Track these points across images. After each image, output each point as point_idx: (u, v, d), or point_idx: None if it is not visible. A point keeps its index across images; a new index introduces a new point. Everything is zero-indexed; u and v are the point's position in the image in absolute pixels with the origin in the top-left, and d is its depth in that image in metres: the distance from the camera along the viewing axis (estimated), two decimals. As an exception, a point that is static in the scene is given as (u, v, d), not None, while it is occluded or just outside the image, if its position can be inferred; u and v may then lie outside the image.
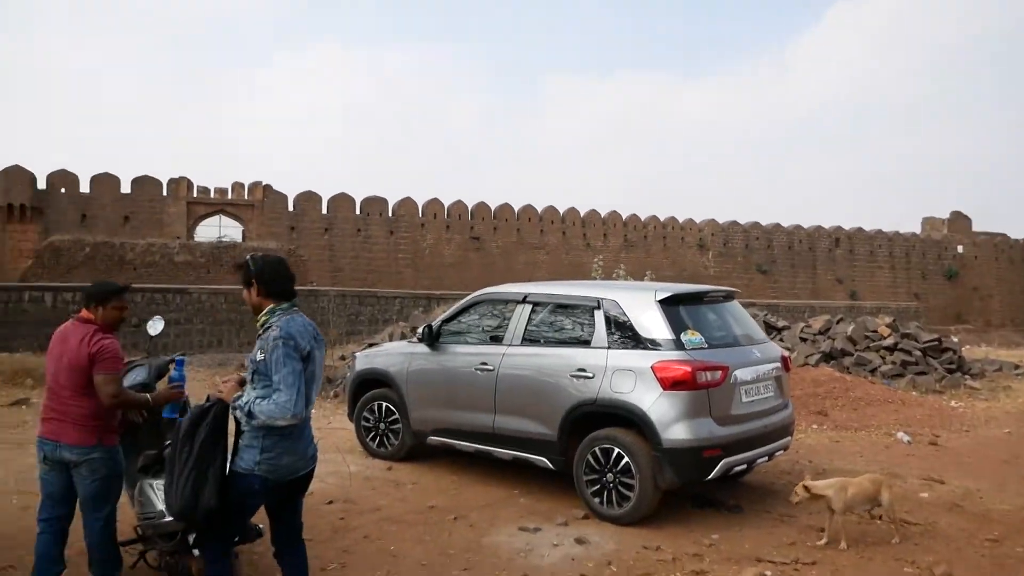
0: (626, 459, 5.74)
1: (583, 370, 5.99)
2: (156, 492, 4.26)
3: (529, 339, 6.52)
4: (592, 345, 6.08)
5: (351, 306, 22.91)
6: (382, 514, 6.04)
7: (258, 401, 3.38)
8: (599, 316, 6.13)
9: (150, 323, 5.13)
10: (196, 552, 4.08)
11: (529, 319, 6.58)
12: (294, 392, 3.34)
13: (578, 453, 6.04)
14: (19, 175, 36.84)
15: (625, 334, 5.97)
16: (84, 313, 4.35)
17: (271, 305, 3.59)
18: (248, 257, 3.66)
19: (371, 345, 13.35)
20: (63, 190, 38.38)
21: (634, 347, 5.88)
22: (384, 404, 7.58)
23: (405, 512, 6.10)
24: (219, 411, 3.50)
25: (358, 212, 44.46)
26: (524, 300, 6.69)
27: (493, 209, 47.62)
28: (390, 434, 7.59)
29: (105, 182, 39.31)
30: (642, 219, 51.30)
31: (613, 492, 5.83)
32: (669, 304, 5.98)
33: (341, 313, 22.10)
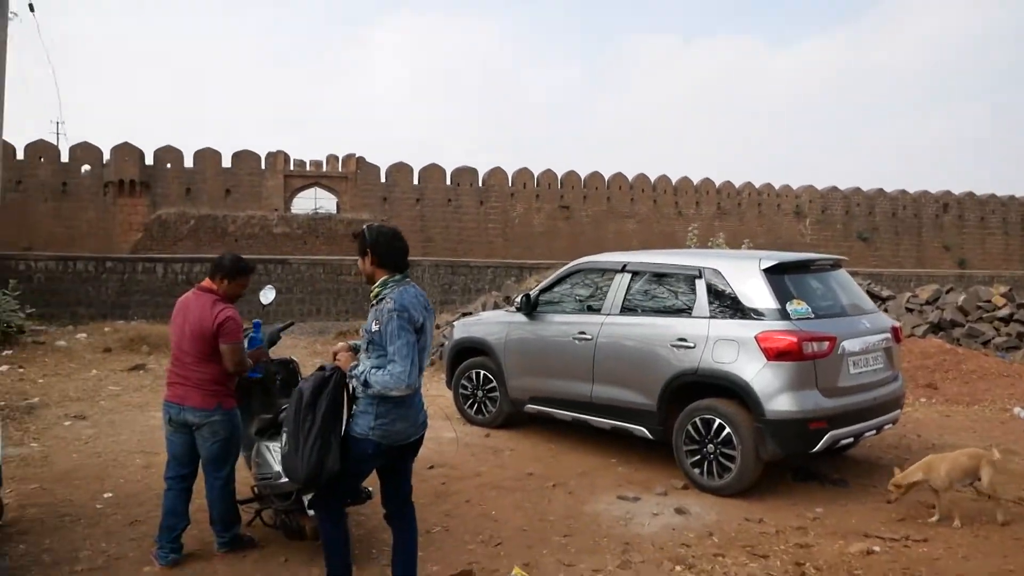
0: (727, 430, 5.67)
1: (684, 340, 5.92)
2: (273, 454, 4.43)
3: (628, 308, 6.47)
4: (693, 315, 5.99)
5: (444, 276, 23.22)
6: (482, 480, 6.15)
7: (374, 371, 3.47)
8: (700, 285, 6.03)
9: (262, 292, 5.32)
10: (311, 512, 4.24)
11: (628, 288, 6.52)
12: (408, 363, 3.42)
13: (678, 423, 5.99)
14: (128, 152, 38.60)
15: (728, 303, 5.85)
16: (206, 283, 4.56)
17: (384, 276, 3.65)
18: (364, 227, 3.73)
19: (465, 314, 13.53)
20: (169, 165, 40.04)
21: (737, 317, 5.77)
22: (482, 372, 7.68)
23: (504, 478, 6.19)
24: (338, 380, 3.61)
25: (448, 183, 44.85)
26: (623, 269, 6.63)
27: (583, 178, 47.24)
28: (487, 401, 7.70)
29: (207, 157, 40.79)
30: (736, 186, 50.02)
31: (713, 463, 5.77)
32: (774, 273, 5.83)
33: (435, 283, 22.42)
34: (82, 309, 19.40)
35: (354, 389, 3.58)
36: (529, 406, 7.22)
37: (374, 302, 3.61)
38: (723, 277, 5.94)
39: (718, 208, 48.88)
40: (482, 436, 7.42)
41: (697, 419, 5.85)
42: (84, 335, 14.51)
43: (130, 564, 4.46)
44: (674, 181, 48.89)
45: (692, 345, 5.86)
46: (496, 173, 45.91)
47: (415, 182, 44.39)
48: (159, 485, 5.91)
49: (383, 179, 43.72)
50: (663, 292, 6.37)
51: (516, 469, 6.44)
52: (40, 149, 38.01)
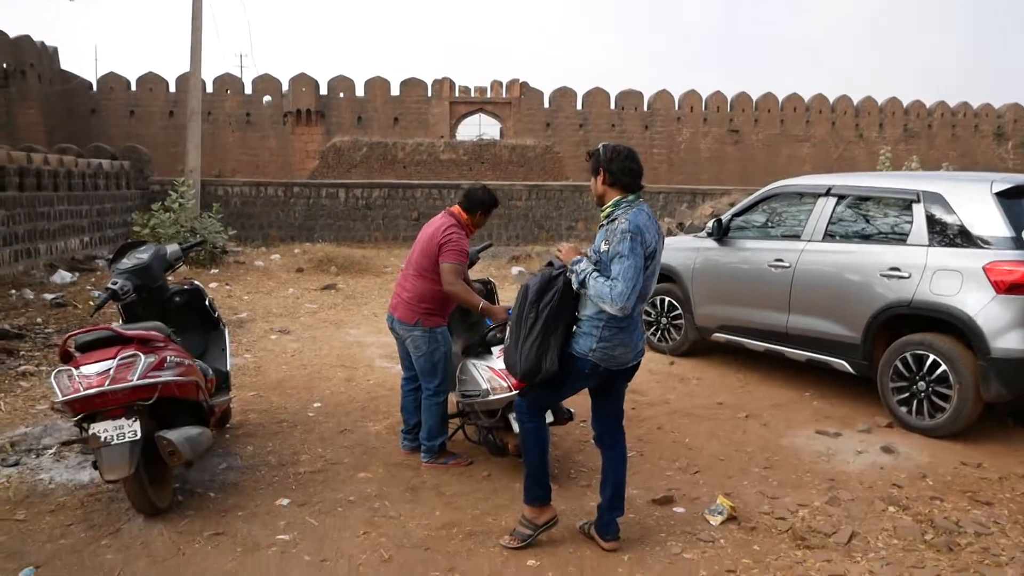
0: (943, 367, 5.27)
1: (896, 269, 5.51)
2: (480, 371, 4.53)
3: (831, 235, 6.09)
4: (908, 242, 5.55)
5: (613, 202, 22.89)
6: (671, 407, 6.08)
7: (595, 275, 3.38)
8: (918, 210, 5.56)
9: None
10: (515, 429, 4.28)
11: (832, 213, 6.13)
12: (630, 286, 3.30)
13: (884, 358, 5.64)
14: (305, 82, 40.34)
15: (951, 231, 5.37)
16: (455, 208, 4.75)
17: (616, 196, 3.54)
18: (600, 145, 3.62)
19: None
20: (341, 95, 41.51)
21: (961, 245, 5.29)
22: (667, 299, 7.54)
23: (693, 407, 6.09)
24: (567, 280, 3.53)
25: (612, 107, 43.90)
26: (827, 193, 6.22)
27: (755, 100, 44.87)
28: (672, 329, 7.56)
29: (377, 85, 41.94)
30: (927, 106, 45.92)
31: (925, 402, 5.41)
32: (1008, 197, 5.27)
33: (602, 209, 22.06)
34: (273, 231, 20.69)
35: (570, 283, 3.51)
36: (717, 335, 7.03)
37: (604, 222, 3.51)
38: (946, 202, 5.44)
39: (904, 130, 45.18)
40: (667, 363, 7.32)
41: (907, 354, 5.48)
42: (277, 256, 15.47)
43: (345, 469, 4.73)
44: (855, 101, 45.55)
45: (906, 275, 5.45)
46: (662, 96, 44.43)
47: (579, 107, 43.75)
48: (362, 397, 6.28)
49: (546, 104, 43.38)
50: (873, 218, 5.94)
51: (705, 398, 6.32)
52: (227, 82, 40.39)
